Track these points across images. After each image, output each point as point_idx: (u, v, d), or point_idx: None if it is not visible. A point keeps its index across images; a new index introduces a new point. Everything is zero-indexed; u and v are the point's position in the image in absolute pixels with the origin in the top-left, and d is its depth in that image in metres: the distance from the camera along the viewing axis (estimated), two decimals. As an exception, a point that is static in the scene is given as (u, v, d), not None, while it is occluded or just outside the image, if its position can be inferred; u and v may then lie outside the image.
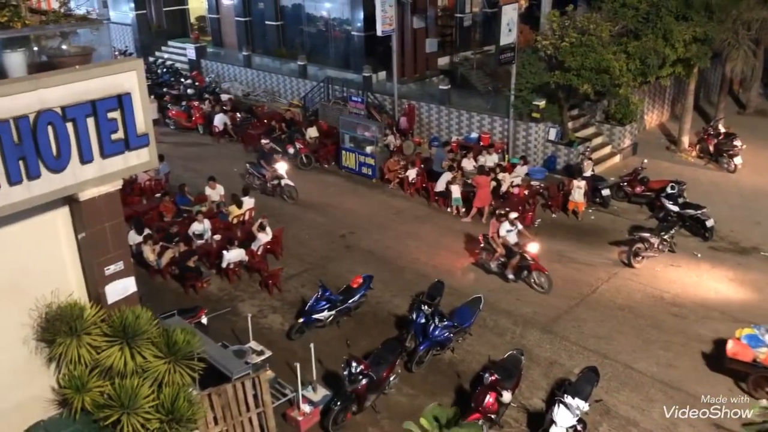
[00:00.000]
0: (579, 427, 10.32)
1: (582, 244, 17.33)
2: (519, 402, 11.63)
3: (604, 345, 13.31)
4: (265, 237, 16.07)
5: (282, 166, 20.00)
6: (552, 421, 10.23)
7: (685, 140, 23.37)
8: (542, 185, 19.82)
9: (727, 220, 17.83)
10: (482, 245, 15.87)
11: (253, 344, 12.57)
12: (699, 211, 17.39)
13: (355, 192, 21.04)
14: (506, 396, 10.68)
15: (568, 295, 15.01)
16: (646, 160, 20.42)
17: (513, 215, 15.63)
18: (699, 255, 16.56)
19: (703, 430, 11.06)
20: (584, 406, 10.35)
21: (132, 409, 7.26)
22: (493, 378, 10.67)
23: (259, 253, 15.93)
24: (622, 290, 15.23)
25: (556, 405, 10.31)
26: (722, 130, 22.84)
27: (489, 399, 10.55)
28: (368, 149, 21.76)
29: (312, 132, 24.02)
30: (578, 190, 18.55)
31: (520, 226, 15.69)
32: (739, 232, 17.61)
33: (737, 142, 21.77)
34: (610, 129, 23.06)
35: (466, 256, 16.66)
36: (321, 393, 11.68)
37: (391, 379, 11.77)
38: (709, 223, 17.19)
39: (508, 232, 15.48)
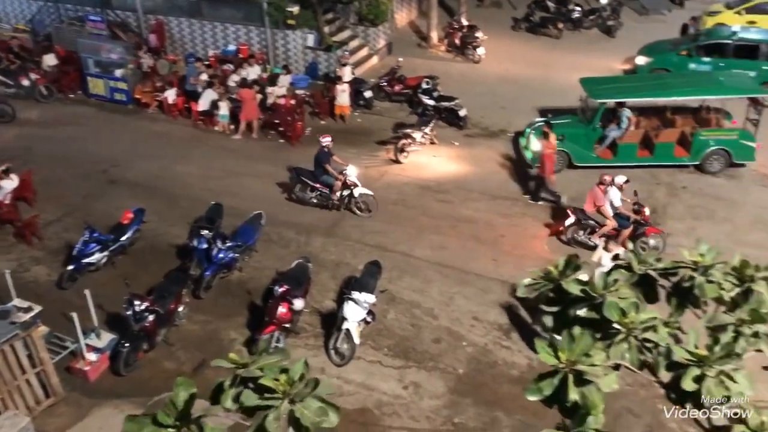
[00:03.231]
0: (369, 319, 10.98)
1: (352, 146, 17.81)
2: (311, 306, 12.01)
3: (383, 239, 14.07)
4: (10, 184, 14.30)
5: (353, 171, 14.82)
6: (344, 318, 10.73)
7: (434, 36, 24.62)
8: (307, 93, 19.83)
9: (477, 108, 19.32)
10: (571, 221, 13.56)
11: (17, 302, 11.33)
12: (452, 103, 18.65)
13: (110, 121, 19.41)
14: (298, 303, 10.93)
15: (345, 198, 15.50)
16: (401, 59, 21.24)
17: (620, 179, 13.34)
18: (457, 143, 17.90)
19: (474, 299, 12.33)
20: (371, 298, 10.97)
21: None
22: (283, 289, 10.83)
23: (6, 202, 14.20)
24: (393, 186, 16.07)
25: (346, 302, 10.81)
26: (465, 23, 24.38)
27: (282, 309, 10.73)
28: (118, 73, 20.02)
29: (49, 60, 21.39)
30: (342, 94, 18.87)
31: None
32: (487, 118, 19.24)
33: (479, 34, 23.44)
34: (364, 30, 23.48)
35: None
36: (106, 338, 11.05)
37: (180, 309, 11.47)
38: (462, 112, 18.55)
39: (622, 201, 13.35)
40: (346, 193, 14.76)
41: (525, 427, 9.79)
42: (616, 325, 4.25)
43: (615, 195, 13.27)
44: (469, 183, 16.19)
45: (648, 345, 4.28)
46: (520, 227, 14.47)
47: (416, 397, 10.40)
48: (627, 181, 13.45)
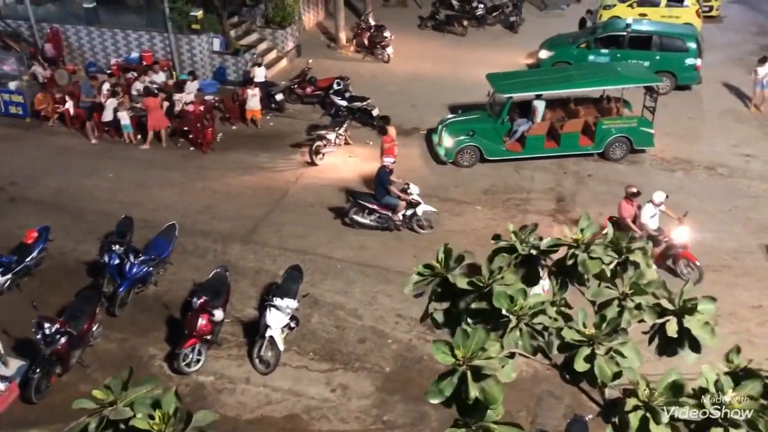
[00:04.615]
0: (292, 324, 10.87)
1: (266, 151, 17.63)
2: (232, 316, 11.80)
3: (303, 242, 13.98)
4: None
5: (416, 189, 14.28)
6: (266, 326, 10.59)
7: (343, 36, 24.67)
8: (216, 98, 19.46)
9: (389, 107, 19.40)
10: (606, 230, 13.17)
11: None
12: (365, 103, 18.74)
13: (7, 137, 18.43)
14: (218, 314, 10.72)
15: (262, 203, 15.31)
16: (311, 61, 21.17)
17: (658, 197, 12.52)
18: (371, 143, 17.97)
19: (397, 296, 12.41)
20: (294, 303, 10.86)
21: None
22: (201, 300, 10.58)
23: None
24: (310, 188, 16.00)
25: (268, 309, 10.66)
26: (372, 23, 24.54)
27: (202, 321, 10.49)
28: (12, 85, 19.09)
29: (-66, 74, 20.15)
30: (253, 98, 18.61)
31: (663, 207, 12.69)
32: (400, 116, 19.38)
33: (387, 33, 23.66)
34: (272, 33, 23.27)
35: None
36: (15, 365, 10.50)
37: (95, 329, 11.02)
38: (375, 112, 18.65)
39: (651, 217, 12.63)
40: (409, 212, 14.20)
41: (453, 419, 9.93)
42: (506, 314, 4.35)
43: (646, 212, 12.64)
44: (385, 182, 16.29)
45: (539, 329, 4.40)
46: (437, 222, 14.66)
47: (344, 399, 10.40)
48: (667, 197, 12.76)
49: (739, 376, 4.23)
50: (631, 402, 4.02)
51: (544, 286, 4.85)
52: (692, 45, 20.49)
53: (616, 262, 4.66)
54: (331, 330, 11.73)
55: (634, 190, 12.93)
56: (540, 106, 16.86)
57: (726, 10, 29.02)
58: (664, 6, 25.10)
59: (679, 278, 12.39)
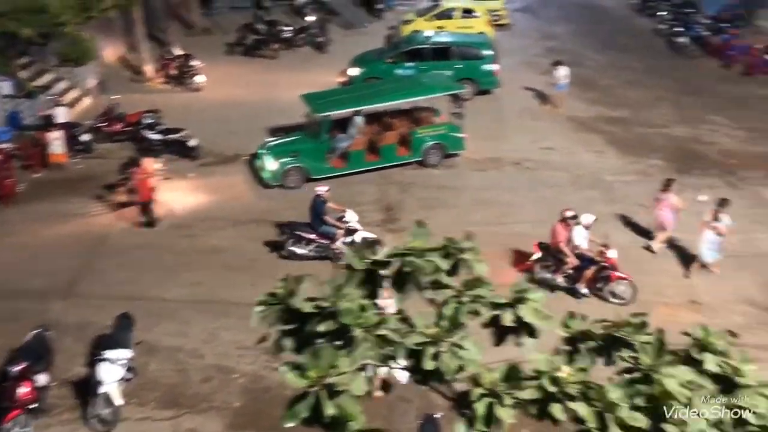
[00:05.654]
0: (129, 376, 10.21)
1: (77, 196, 16.42)
2: (60, 378, 10.81)
3: (131, 288, 13.17)
4: None
5: (353, 216, 13.96)
6: (99, 382, 9.83)
7: (148, 69, 23.73)
8: (13, 146, 17.81)
9: (207, 136, 18.88)
10: (537, 256, 12.93)
11: None
12: (180, 134, 18.12)
13: None
14: (42, 379, 9.81)
15: (79, 252, 14.25)
16: (116, 96, 20.07)
17: (588, 218, 12.65)
18: (192, 175, 17.41)
19: (238, 329, 12.07)
20: (127, 353, 10.22)
21: None
22: (20, 367, 9.62)
23: None
24: (131, 229, 15.15)
25: (99, 364, 9.92)
26: (178, 53, 23.85)
27: (23, 390, 9.50)
28: None
29: None
30: (56, 141, 17.31)
31: (588, 232, 12.73)
32: (220, 144, 18.98)
33: (195, 62, 23.08)
34: (70, 71, 21.75)
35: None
36: None
37: None
38: (192, 143, 18.08)
39: (584, 239, 12.65)
40: (348, 240, 13.70)
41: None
42: (353, 329, 4.43)
43: (577, 234, 12.81)
44: (212, 212, 15.87)
45: (388, 339, 4.51)
46: (272, 248, 14.47)
47: (195, 444, 9.93)
48: (595, 220, 12.97)
49: (578, 339, 4.63)
50: (476, 391, 4.21)
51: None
52: (488, 52, 22.13)
53: (450, 264, 4.85)
54: (172, 374, 11.15)
55: (572, 213, 12.86)
56: (358, 120, 17.32)
57: (512, 19, 31.67)
58: (459, 18, 26.90)
59: (610, 303, 12.50)
